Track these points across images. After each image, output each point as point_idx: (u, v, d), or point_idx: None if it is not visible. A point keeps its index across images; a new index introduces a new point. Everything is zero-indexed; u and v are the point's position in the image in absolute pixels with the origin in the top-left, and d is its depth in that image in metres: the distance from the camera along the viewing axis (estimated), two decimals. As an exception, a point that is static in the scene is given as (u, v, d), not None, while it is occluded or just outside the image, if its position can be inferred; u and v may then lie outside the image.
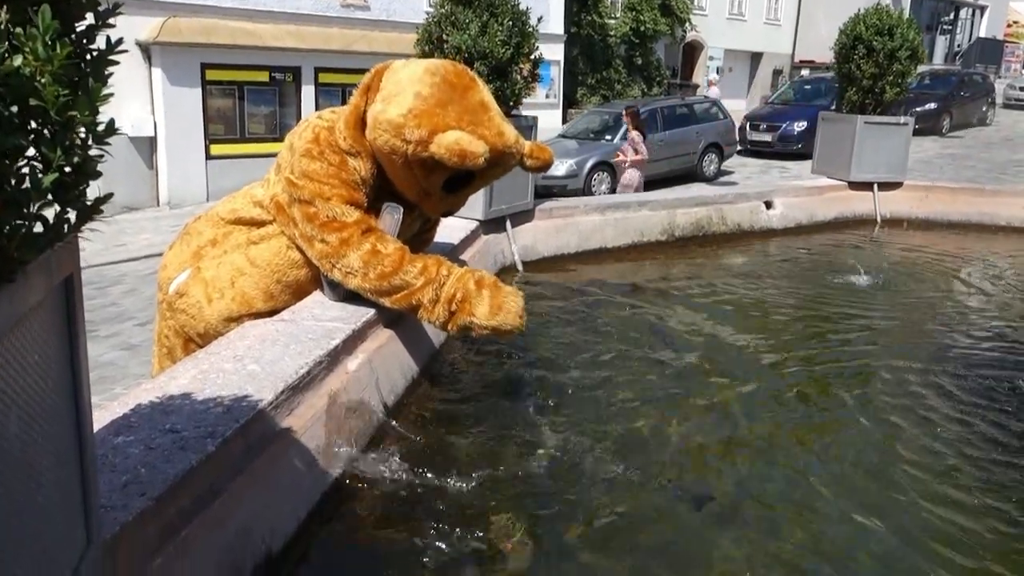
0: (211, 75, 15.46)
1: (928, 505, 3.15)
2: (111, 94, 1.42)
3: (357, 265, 3.55)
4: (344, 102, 16.64)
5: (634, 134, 11.33)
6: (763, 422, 3.93)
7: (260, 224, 3.92)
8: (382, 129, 3.51)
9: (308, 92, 16.48)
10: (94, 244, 12.76)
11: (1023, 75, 29.68)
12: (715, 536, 2.93)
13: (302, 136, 3.78)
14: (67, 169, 1.34)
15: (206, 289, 3.84)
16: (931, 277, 6.92)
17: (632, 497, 3.14)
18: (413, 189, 3.76)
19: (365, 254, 3.54)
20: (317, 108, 16.19)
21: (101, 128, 1.44)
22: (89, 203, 1.43)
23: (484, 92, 3.76)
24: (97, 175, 1.40)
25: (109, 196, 1.45)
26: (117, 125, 1.45)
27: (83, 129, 1.36)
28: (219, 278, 3.85)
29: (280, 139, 15.86)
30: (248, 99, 16.10)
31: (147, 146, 15.05)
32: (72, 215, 1.44)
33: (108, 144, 1.45)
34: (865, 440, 3.76)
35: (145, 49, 14.60)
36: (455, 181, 3.76)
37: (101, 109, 1.42)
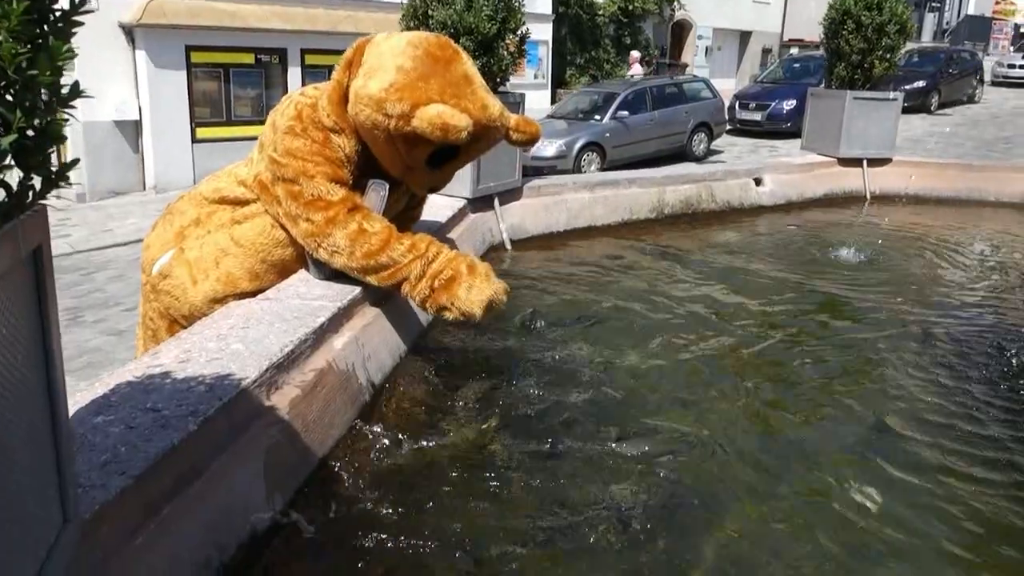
0: (196, 57, 15.30)
1: (921, 473, 3.16)
2: (75, 54, 1.37)
3: (343, 244, 3.51)
4: (331, 83, 16.58)
5: None
6: (755, 395, 3.91)
7: (244, 203, 3.87)
8: (363, 104, 3.46)
9: (294, 74, 16.35)
10: (80, 230, 12.70)
11: (1011, 52, 29.62)
12: (703, 509, 2.92)
13: (284, 113, 3.72)
14: (29, 132, 1.29)
15: (190, 270, 3.80)
16: (921, 253, 6.91)
17: (623, 474, 3.11)
18: (397, 165, 3.71)
19: (351, 233, 3.50)
20: (304, 90, 16.09)
21: (66, 91, 1.39)
22: (55, 169, 1.38)
23: (468, 64, 3.70)
24: (62, 139, 1.35)
25: (75, 162, 1.40)
26: (83, 88, 1.40)
27: (45, 91, 1.32)
28: (203, 259, 3.80)
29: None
30: (234, 81, 15.95)
31: (132, 130, 14.91)
32: (38, 183, 1.39)
33: (73, 107, 1.40)
34: (858, 410, 3.75)
35: (128, 31, 14.43)
36: (440, 156, 3.71)
37: (85, 85, 1.37)
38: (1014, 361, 4.36)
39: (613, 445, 3.31)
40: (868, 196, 9.19)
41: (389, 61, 3.52)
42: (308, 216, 3.52)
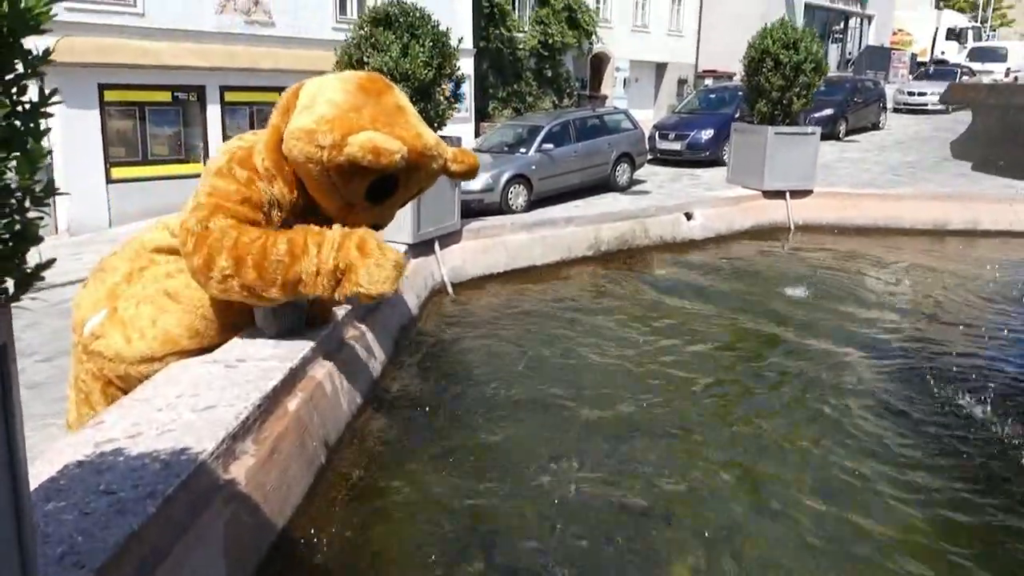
0: (110, 96, 14.83)
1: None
2: (50, 151, 1.30)
3: (229, 263, 3.31)
4: (251, 121, 16.15)
5: None
6: (696, 425, 3.96)
7: (177, 253, 3.72)
8: (295, 138, 3.39)
9: (214, 111, 15.99)
10: (-11, 276, 12.13)
11: (910, 80, 31.14)
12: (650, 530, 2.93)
13: (217, 159, 3.66)
14: (5, 236, 1.22)
15: (125, 330, 3.63)
16: (844, 281, 7.16)
17: (575, 509, 3.11)
18: (334, 202, 3.61)
19: (231, 249, 3.32)
20: (224, 127, 15.71)
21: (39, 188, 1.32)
22: (29, 270, 1.30)
23: (400, 97, 3.67)
24: (39, 240, 1.28)
25: (51, 262, 1.32)
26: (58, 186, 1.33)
27: (19, 193, 1.24)
28: (138, 317, 3.64)
29: (186, 160, 15.41)
30: (150, 120, 15.50)
31: (43, 171, 14.32)
32: (9, 283, 1.31)
33: (47, 205, 1.33)
34: (795, 432, 3.83)
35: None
36: (379, 191, 3.64)
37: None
38: (935, 387, 4.54)
39: (569, 482, 3.30)
40: (792, 226, 9.48)
41: (320, 96, 3.48)
42: (196, 253, 3.34)
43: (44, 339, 8.72)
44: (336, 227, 3.49)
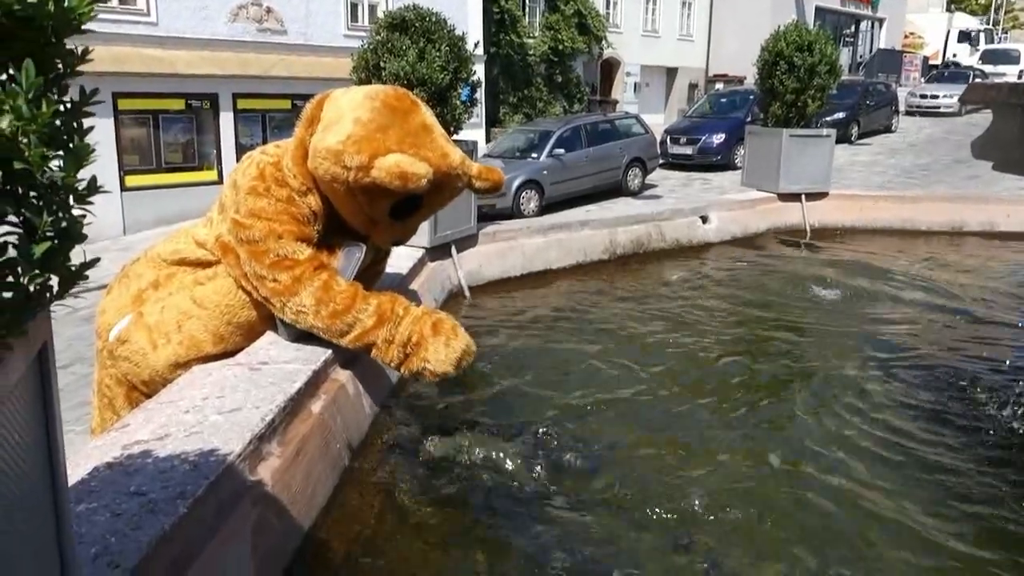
0: (124, 104, 14.92)
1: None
2: (93, 149, 1.32)
3: (309, 303, 3.44)
4: (264, 128, 16.18)
5: None
6: (713, 431, 3.95)
7: (205, 265, 3.75)
8: (321, 157, 3.41)
9: (227, 119, 16.08)
10: (5, 284, 12.23)
11: (923, 83, 31.02)
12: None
13: (246, 173, 3.64)
14: (51, 233, 1.23)
15: (150, 334, 3.65)
16: (866, 281, 7.12)
17: (592, 521, 3.11)
18: (359, 218, 3.66)
19: (317, 291, 3.43)
20: (237, 134, 15.79)
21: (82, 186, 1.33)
22: (74, 268, 1.31)
23: (427, 115, 3.69)
24: (83, 238, 1.29)
25: (96, 261, 1.33)
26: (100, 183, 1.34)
27: (63, 191, 1.25)
28: (164, 322, 3.67)
29: (199, 168, 15.47)
30: (164, 128, 15.60)
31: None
32: (54, 281, 1.32)
33: (91, 203, 1.34)
34: (814, 435, 3.83)
35: (52, 79, 14.03)
36: (403, 208, 3.67)
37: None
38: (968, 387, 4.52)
39: (588, 498, 3.30)
40: (808, 229, 9.46)
41: (347, 114, 3.49)
42: (275, 276, 3.44)
43: (62, 346, 8.69)
44: (424, 307, 3.66)
